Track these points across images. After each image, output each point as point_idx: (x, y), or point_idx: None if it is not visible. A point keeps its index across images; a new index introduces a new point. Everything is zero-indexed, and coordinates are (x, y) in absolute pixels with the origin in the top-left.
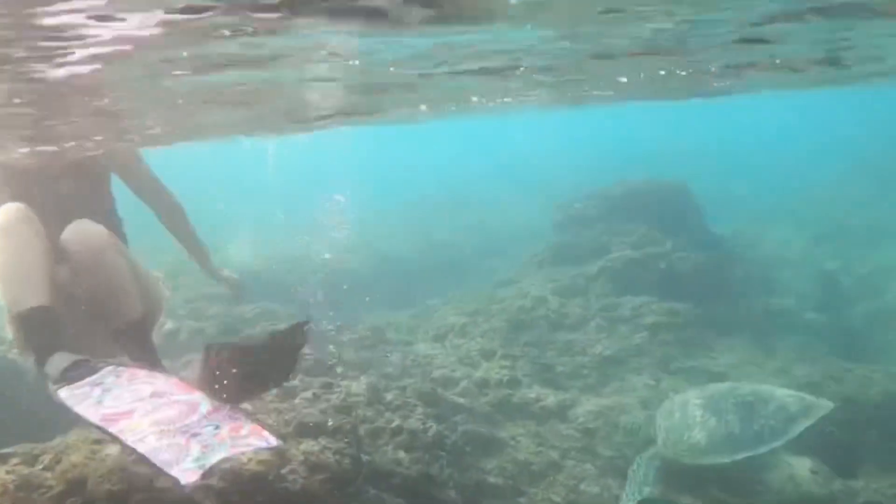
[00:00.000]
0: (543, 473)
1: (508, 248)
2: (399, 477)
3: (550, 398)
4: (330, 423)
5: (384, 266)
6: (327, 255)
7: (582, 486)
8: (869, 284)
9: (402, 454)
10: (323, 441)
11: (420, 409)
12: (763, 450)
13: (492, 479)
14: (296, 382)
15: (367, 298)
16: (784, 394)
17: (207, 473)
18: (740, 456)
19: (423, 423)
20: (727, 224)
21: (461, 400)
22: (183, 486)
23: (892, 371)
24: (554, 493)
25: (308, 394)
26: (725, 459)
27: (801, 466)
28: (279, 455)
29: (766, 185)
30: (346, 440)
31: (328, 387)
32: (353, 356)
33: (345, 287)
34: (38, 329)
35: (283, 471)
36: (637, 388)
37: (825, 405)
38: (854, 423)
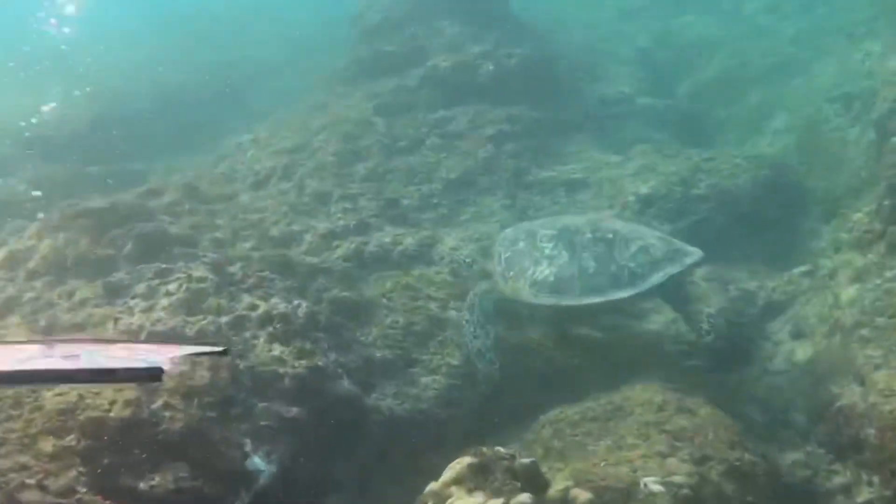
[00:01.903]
0: (430, 332)
1: (302, 61)
2: (286, 379)
3: (408, 239)
4: (188, 327)
5: (167, 98)
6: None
7: None
8: (684, 60)
9: (278, 348)
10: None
11: (278, 283)
12: (619, 295)
13: (379, 353)
14: (120, 275)
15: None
16: (650, 235)
17: None
18: (594, 300)
19: (288, 301)
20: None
21: (313, 260)
22: None
23: (752, 154)
24: (448, 354)
25: (141, 287)
26: (574, 302)
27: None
28: (144, 388)
29: None
30: (214, 346)
31: (162, 274)
32: (171, 226)
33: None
34: None
35: (155, 406)
36: (494, 210)
37: (694, 253)
38: (733, 214)
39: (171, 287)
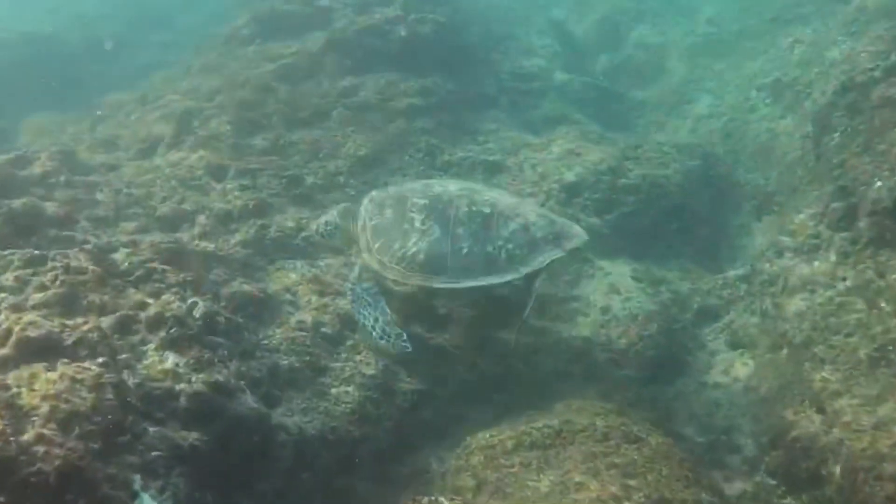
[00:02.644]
0: (340, 335)
1: (180, 19)
2: (182, 398)
3: (313, 224)
4: (66, 336)
5: (36, 47)
6: None
7: None
8: (600, 33)
9: (172, 359)
10: (65, 369)
11: (170, 275)
12: (493, 281)
13: (285, 361)
14: None
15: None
16: (531, 211)
17: None
18: (463, 284)
19: (183, 299)
20: None
21: (209, 246)
22: None
23: (680, 142)
24: (362, 362)
25: (8, 278)
26: (443, 285)
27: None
28: (10, 414)
29: None
30: (97, 358)
31: (35, 262)
32: (45, 202)
33: None
34: None
35: (25, 438)
36: None
37: (578, 236)
38: (663, 208)
39: (46, 279)
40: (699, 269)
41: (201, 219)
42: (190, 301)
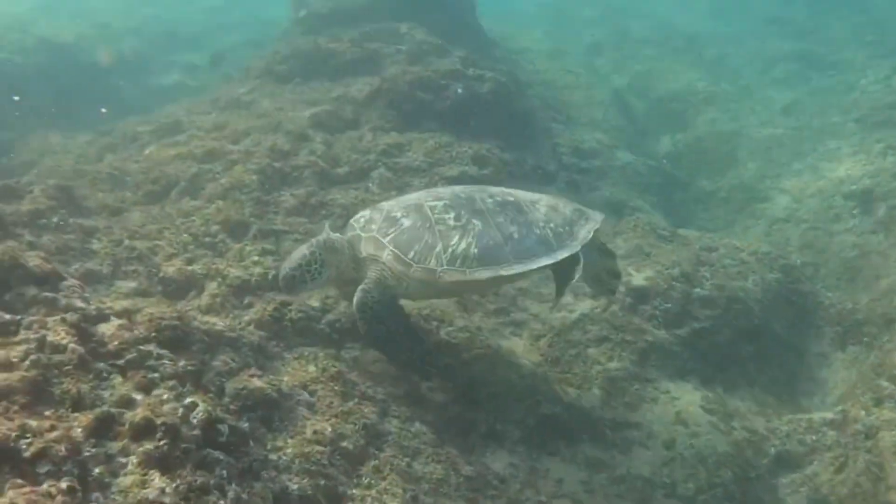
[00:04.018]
0: (363, 451)
1: (218, 39)
2: None
3: (342, 304)
4: (25, 444)
5: (55, 54)
6: None
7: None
8: (666, 111)
9: (157, 482)
10: (15, 496)
11: (167, 362)
12: (560, 256)
13: (295, 484)
14: None
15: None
16: (543, 195)
17: None
18: (535, 264)
19: (179, 398)
20: (491, 25)
21: (217, 324)
22: None
23: (759, 250)
24: (388, 491)
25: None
26: (513, 271)
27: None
28: None
29: None
30: (60, 479)
31: (4, 330)
32: (28, 251)
33: None
34: None
35: None
36: None
37: (595, 213)
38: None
39: (14, 355)
40: (776, 401)
41: (212, 286)
42: (188, 401)
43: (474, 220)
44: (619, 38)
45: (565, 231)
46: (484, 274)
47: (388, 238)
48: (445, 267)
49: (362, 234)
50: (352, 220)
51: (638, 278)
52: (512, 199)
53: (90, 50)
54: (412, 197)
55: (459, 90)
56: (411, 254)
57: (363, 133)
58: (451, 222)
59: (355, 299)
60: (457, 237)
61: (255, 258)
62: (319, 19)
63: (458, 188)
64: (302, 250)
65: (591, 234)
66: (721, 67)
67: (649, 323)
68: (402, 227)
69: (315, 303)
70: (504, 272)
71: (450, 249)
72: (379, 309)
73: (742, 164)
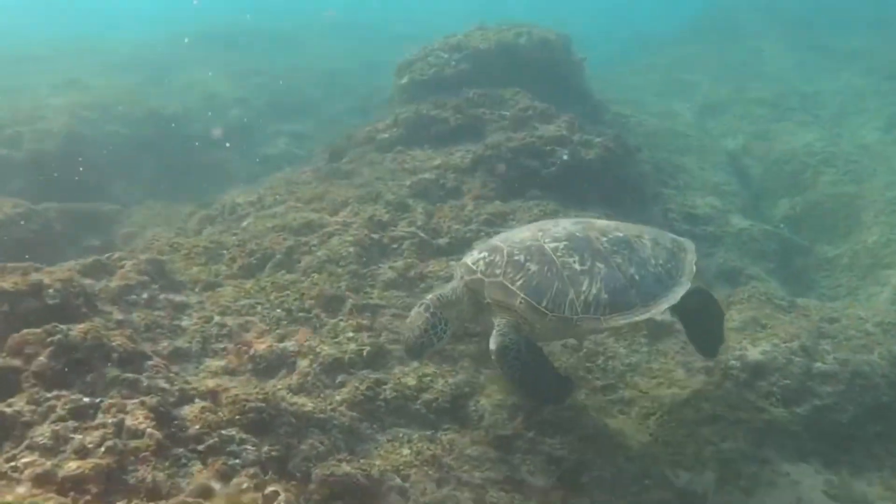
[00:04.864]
0: None
1: (325, 108)
2: None
3: (439, 383)
4: None
5: (155, 129)
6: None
7: None
8: (782, 173)
9: None
10: None
11: (249, 448)
12: (679, 294)
13: None
14: (20, 405)
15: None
16: (638, 226)
17: None
18: (660, 307)
19: (260, 487)
20: (600, 88)
21: (306, 405)
22: None
23: (883, 320)
24: None
25: (44, 432)
26: (644, 316)
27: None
28: None
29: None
30: None
31: (81, 413)
32: (113, 331)
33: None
34: None
35: None
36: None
37: (687, 241)
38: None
39: (90, 440)
40: None
41: (304, 365)
42: (269, 490)
43: (598, 264)
44: (731, 99)
45: (673, 266)
46: (619, 321)
47: (517, 285)
48: (580, 315)
49: (485, 280)
50: (466, 261)
51: (754, 352)
52: (621, 234)
53: (197, 121)
54: (525, 236)
55: (565, 156)
56: (545, 302)
57: (465, 202)
58: (577, 266)
59: (495, 346)
60: (586, 283)
61: (350, 334)
62: (422, 86)
63: (567, 224)
64: (421, 315)
65: (695, 266)
66: (840, 127)
67: (766, 400)
68: (529, 273)
69: (411, 381)
70: (637, 318)
71: (582, 297)
72: (520, 352)
73: (866, 228)
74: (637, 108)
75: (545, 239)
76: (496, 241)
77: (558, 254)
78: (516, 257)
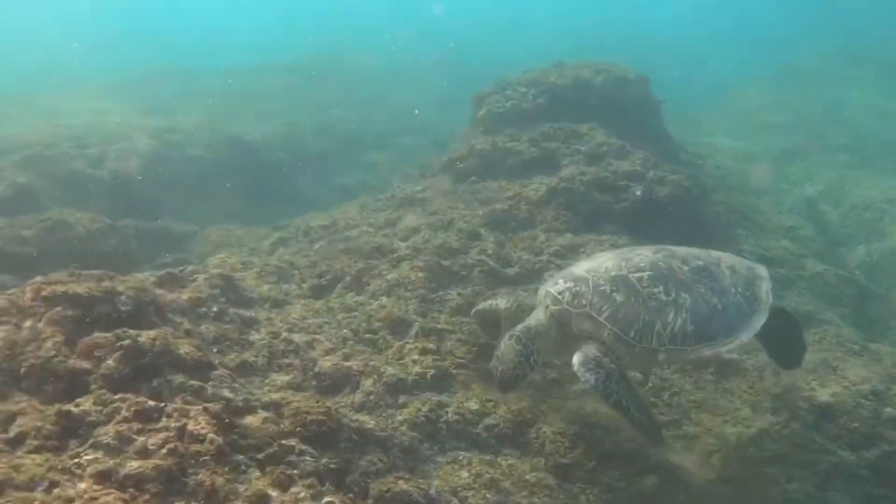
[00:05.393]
0: None
1: (401, 140)
2: None
3: (501, 410)
4: None
5: (235, 154)
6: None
7: None
8: (859, 220)
9: None
10: None
11: (308, 459)
12: (759, 323)
13: None
14: (87, 405)
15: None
16: (715, 254)
17: None
18: (741, 339)
19: (316, 497)
20: (677, 130)
21: (367, 422)
22: None
23: None
24: None
25: (108, 432)
26: (728, 347)
27: None
28: None
29: (688, 77)
30: None
31: (145, 415)
32: (181, 338)
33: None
34: None
35: None
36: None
37: (759, 266)
38: None
39: (152, 442)
40: None
41: (367, 384)
42: (325, 500)
43: (682, 294)
44: (811, 144)
45: (751, 294)
46: (705, 352)
47: (604, 316)
48: (668, 346)
49: (572, 311)
50: (552, 291)
51: (823, 394)
52: (702, 263)
53: (277, 148)
54: (609, 266)
55: (638, 192)
56: (632, 333)
57: (537, 233)
58: (662, 297)
59: (592, 380)
60: (672, 314)
61: (415, 357)
62: (499, 119)
63: (649, 253)
64: (513, 347)
65: (771, 294)
66: None
67: (834, 443)
68: (615, 303)
69: (474, 405)
70: (721, 348)
71: (668, 327)
72: (612, 379)
73: None
74: (713, 151)
75: (629, 269)
76: (579, 270)
77: (643, 284)
78: (602, 287)
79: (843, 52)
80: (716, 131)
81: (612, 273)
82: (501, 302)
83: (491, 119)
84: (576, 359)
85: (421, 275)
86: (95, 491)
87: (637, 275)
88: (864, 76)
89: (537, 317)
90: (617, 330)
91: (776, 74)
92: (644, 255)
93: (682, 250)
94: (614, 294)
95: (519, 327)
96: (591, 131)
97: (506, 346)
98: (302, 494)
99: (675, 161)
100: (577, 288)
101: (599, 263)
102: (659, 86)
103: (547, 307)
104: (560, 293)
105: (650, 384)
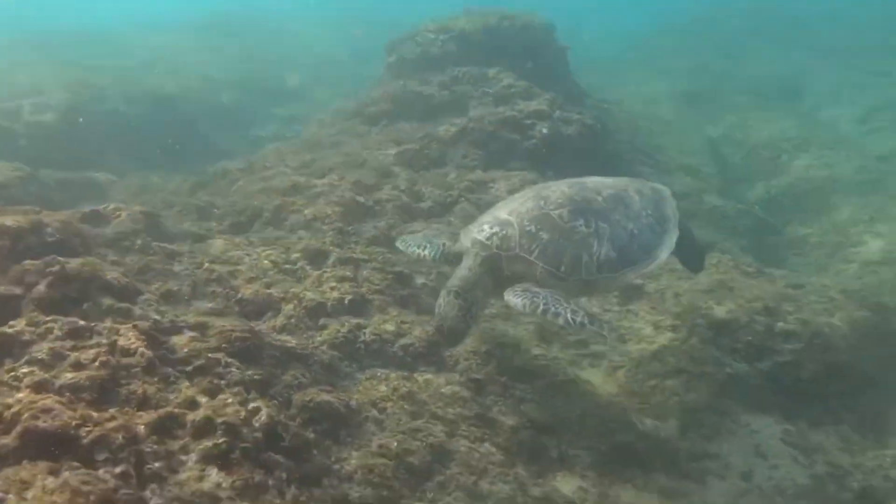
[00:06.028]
0: (428, 468)
1: (316, 93)
2: None
3: (416, 330)
4: (85, 432)
5: (151, 107)
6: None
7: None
8: (758, 159)
9: (215, 476)
10: (70, 477)
11: (235, 371)
12: (672, 242)
13: (357, 493)
14: (20, 326)
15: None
16: (619, 180)
17: None
18: (660, 259)
19: (243, 402)
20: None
21: (289, 341)
22: None
23: (848, 288)
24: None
25: (42, 349)
26: (650, 269)
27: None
28: None
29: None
30: (116, 466)
31: (77, 334)
32: (108, 267)
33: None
34: None
35: None
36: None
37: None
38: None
39: (85, 357)
40: (862, 439)
41: (288, 308)
42: (251, 405)
43: (601, 224)
44: (714, 88)
45: (660, 214)
46: (630, 276)
47: (534, 255)
48: (596, 275)
49: (503, 254)
50: (478, 237)
51: (719, 311)
52: (613, 192)
53: (192, 101)
54: (529, 205)
55: (545, 130)
56: (563, 268)
57: (448, 171)
58: (584, 229)
59: (518, 303)
60: (595, 244)
61: (333, 284)
62: (410, 65)
63: (564, 188)
64: (453, 303)
65: (677, 210)
66: (817, 116)
67: (729, 356)
68: (543, 241)
69: (390, 326)
70: (645, 270)
71: (595, 258)
72: (539, 297)
73: (836, 210)
74: (622, 96)
75: (549, 206)
76: (502, 214)
77: (564, 219)
78: (527, 228)
79: (747, 5)
80: (628, 81)
81: (534, 213)
82: (426, 253)
83: (402, 65)
84: (506, 294)
85: (337, 209)
86: (30, 402)
87: (557, 211)
88: (764, 28)
89: (468, 266)
90: (548, 267)
91: (687, 23)
92: (560, 190)
93: (591, 181)
94: (540, 233)
95: (455, 281)
96: (499, 74)
97: (446, 302)
98: (230, 401)
99: (582, 105)
100: (504, 231)
101: (520, 204)
102: (577, 41)
103: (476, 254)
104: (488, 238)
105: None
